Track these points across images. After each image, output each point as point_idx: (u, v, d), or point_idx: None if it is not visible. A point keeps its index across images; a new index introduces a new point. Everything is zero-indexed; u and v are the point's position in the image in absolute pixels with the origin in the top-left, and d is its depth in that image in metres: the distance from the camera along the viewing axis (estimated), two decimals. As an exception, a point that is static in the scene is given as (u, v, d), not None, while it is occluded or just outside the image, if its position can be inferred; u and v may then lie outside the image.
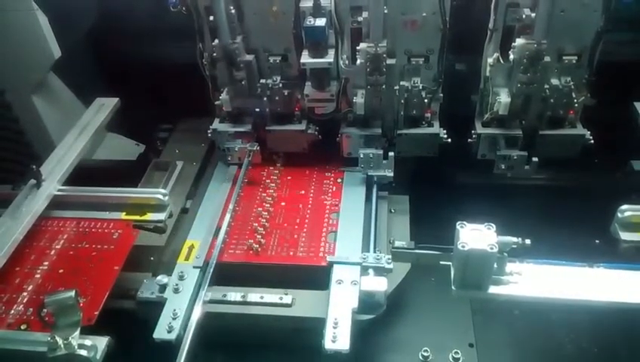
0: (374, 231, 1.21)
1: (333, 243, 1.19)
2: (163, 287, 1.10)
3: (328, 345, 0.98)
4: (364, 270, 1.09)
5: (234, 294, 1.10)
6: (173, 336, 1.01)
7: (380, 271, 1.08)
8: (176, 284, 1.10)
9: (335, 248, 1.18)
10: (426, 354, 1.11)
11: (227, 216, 1.24)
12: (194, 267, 1.14)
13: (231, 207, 1.26)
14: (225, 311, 1.09)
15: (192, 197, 1.39)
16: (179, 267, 1.15)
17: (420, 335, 1.15)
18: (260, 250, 1.19)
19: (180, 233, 1.27)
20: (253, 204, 1.31)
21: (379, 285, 1.06)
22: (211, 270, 1.12)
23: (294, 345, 1.10)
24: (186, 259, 1.17)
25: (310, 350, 1.02)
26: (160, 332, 1.02)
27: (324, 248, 1.19)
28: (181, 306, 1.06)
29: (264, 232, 1.23)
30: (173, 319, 1.04)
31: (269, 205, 1.30)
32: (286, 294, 1.10)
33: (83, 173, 1.35)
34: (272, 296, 1.10)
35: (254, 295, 1.10)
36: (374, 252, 1.14)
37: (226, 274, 1.14)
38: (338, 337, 0.98)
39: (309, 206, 1.30)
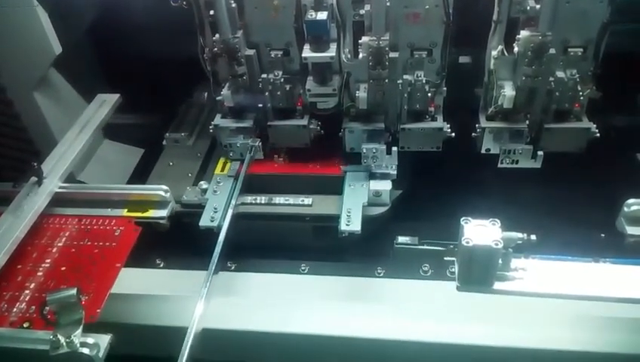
0: None
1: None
2: (204, 191, 1.31)
3: (343, 227, 1.18)
4: (372, 176, 1.30)
5: (262, 198, 1.33)
6: (215, 224, 1.23)
7: (385, 176, 1.30)
8: (215, 188, 1.32)
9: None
10: None
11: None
12: (228, 176, 1.36)
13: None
14: (255, 210, 1.31)
15: None
16: (216, 177, 1.36)
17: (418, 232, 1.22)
18: (283, 163, 1.40)
19: (213, 156, 1.49)
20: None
21: (384, 185, 1.28)
22: (243, 176, 1.32)
23: (312, 246, 1.30)
24: (222, 170, 1.39)
25: (326, 250, 1.25)
26: (205, 221, 1.24)
27: (338, 162, 1.38)
28: (220, 203, 1.28)
29: (286, 150, 1.42)
30: (215, 212, 1.26)
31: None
32: (307, 197, 1.31)
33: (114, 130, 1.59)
34: (294, 198, 1.32)
35: (279, 198, 1.32)
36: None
37: (254, 186, 1.35)
38: (352, 221, 1.19)
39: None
